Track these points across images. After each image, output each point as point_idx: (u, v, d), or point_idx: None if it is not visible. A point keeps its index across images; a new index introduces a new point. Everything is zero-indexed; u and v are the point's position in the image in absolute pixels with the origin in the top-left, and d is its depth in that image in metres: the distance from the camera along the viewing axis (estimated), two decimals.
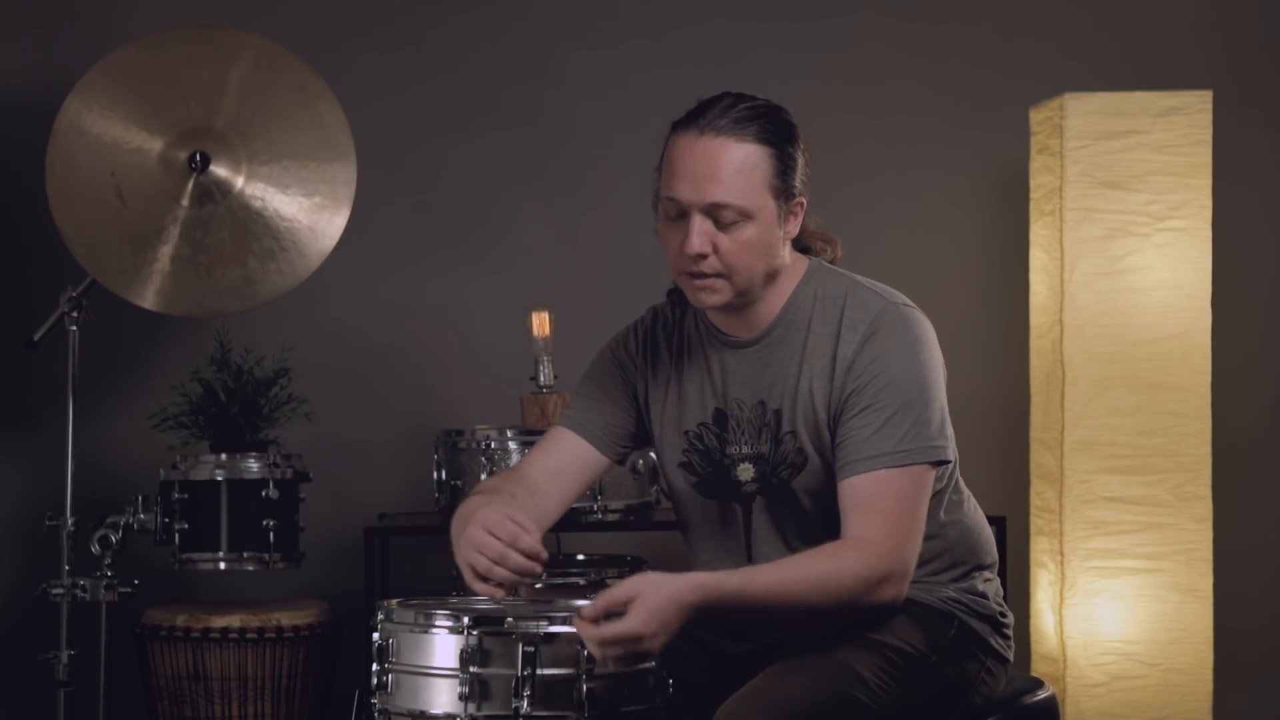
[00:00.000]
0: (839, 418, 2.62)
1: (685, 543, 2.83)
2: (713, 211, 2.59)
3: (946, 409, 2.66)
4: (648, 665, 2.48)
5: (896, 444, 2.57)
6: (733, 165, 2.58)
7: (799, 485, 2.67)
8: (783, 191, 2.62)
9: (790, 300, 2.69)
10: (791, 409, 2.65)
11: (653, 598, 2.40)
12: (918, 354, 2.62)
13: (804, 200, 2.67)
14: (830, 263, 2.76)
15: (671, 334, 2.79)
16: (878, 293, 2.68)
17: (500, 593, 2.50)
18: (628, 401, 2.81)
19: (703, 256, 2.60)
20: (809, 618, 2.54)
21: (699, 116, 2.62)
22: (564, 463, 2.78)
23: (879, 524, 2.55)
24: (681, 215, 2.61)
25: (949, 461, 2.64)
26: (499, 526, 2.50)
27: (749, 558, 2.72)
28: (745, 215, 2.59)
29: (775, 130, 2.62)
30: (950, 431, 2.68)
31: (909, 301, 2.69)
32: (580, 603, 2.48)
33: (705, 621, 2.50)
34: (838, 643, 2.58)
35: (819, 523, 2.65)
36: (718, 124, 2.59)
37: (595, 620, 2.39)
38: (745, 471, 2.70)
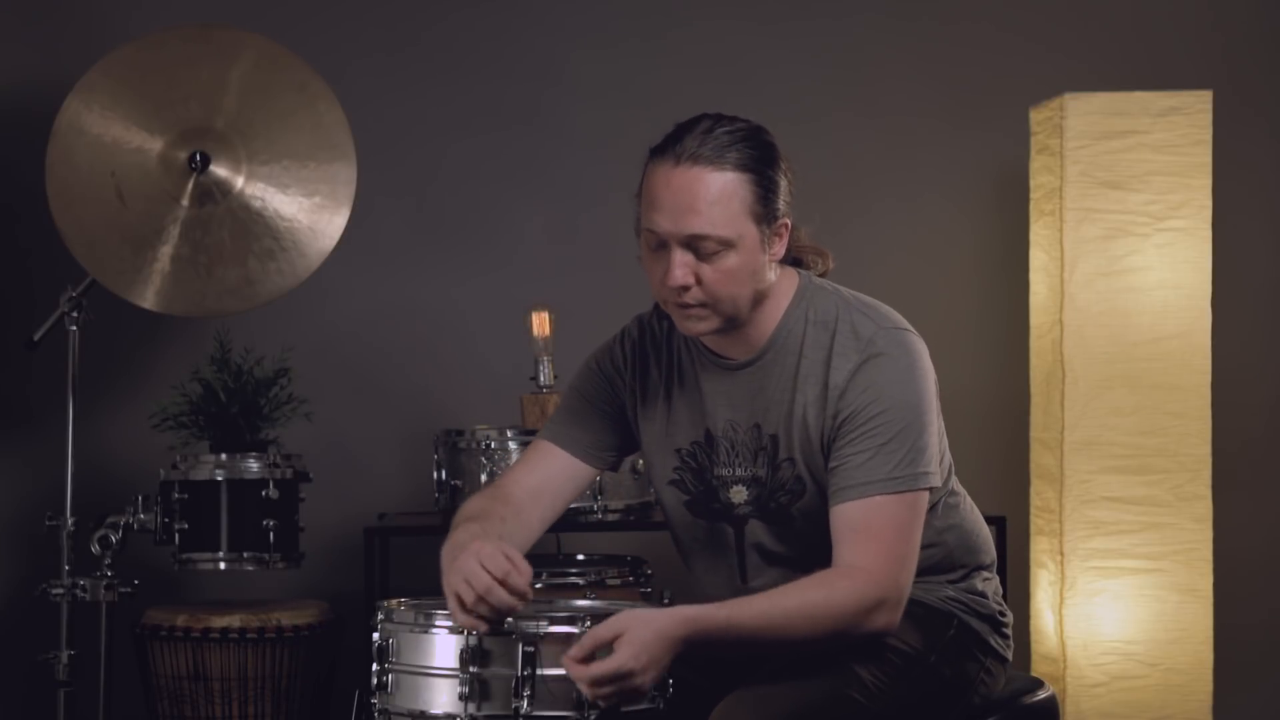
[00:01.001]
0: (832, 444, 2.59)
1: (679, 555, 2.81)
2: (692, 243, 2.54)
3: (941, 433, 2.64)
4: (641, 707, 2.45)
5: (891, 470, 2.54)
6: (711, 195, 2.52)
7: (798, 511, 2.65)
8: (764, 216, 2.56)
9: (782, 322, 2.64)
10: (788, 435, 2.63)
11: (639, 632, 2.37)
12: (912, 380, 2.58)
13: (788, 222, 2.61)
14: (821, 275, 2.72)
15: (660, 349, 2.75)
16: (869, 316, 2.63)
17: (484, 626, 2.43)
18: (614, 415, 2.77)
19: (685, 288, 2.55)
20: (800, 647, 2.50)
21: (675, 144, 2.55)
22: (548, 479, 2.75)
23: (873, 551, 2.51)
24: (662, 246, 2.56)
25: (939, 488, 2.62)
26: (491, 560, 2.44)
27: (742, 578, 2.70)
28: (726, 245, 2.53)
29: (755, 155, 2.56)
30: (947, 451, 2.67)
31: (901, 323, 2.64)
32: (580, 602, 2.47)
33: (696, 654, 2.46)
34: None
35: (814, 545, 2.61)
36: (695, 152, 2.52)
37: (583, 660, 2.37)
38: (738, 494, 2.67)
